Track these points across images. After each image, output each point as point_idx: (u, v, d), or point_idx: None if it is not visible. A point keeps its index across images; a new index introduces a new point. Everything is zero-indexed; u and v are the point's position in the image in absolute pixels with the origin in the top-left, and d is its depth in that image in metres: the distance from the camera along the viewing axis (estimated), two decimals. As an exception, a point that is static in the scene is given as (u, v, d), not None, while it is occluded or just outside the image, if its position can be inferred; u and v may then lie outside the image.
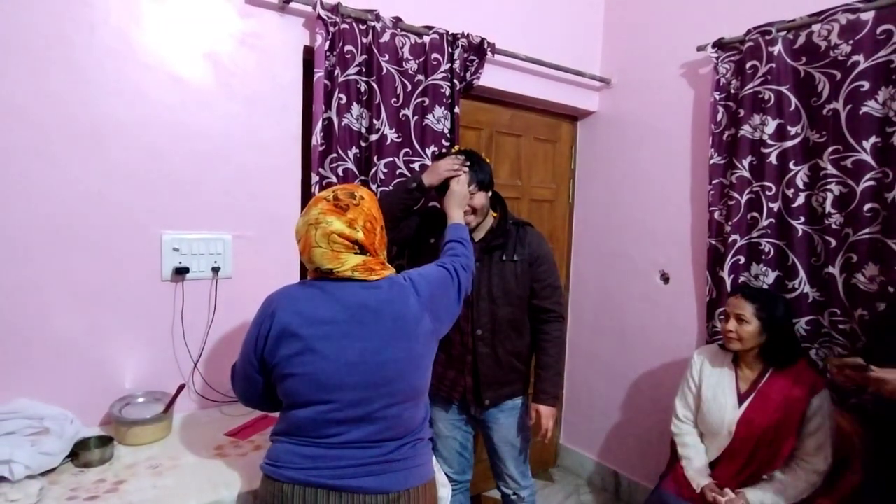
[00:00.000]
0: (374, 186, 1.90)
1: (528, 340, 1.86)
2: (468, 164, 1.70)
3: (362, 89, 1.89)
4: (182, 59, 1.64)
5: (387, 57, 1.91)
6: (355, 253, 1.17)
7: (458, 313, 1.32)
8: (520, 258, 1.79)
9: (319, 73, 1.78)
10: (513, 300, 1.78)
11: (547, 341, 1.83)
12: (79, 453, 1.34)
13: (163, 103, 1.62)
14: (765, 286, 1.99)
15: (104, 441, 1.41)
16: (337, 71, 1.81)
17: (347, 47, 1.83)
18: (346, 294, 1.15)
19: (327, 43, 1.78)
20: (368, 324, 1.14)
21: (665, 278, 2.48)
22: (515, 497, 1.93)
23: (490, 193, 1.79)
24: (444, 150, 2.01)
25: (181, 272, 1.66)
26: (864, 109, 1.72)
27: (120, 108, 1.56)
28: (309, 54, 1.83)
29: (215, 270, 1.72)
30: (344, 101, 1.84)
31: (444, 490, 1.38)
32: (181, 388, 1.60)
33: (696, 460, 1.82)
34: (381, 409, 1.14)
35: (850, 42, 1.74)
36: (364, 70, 1.88)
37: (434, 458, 1.33)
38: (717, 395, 1.81)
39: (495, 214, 1.84)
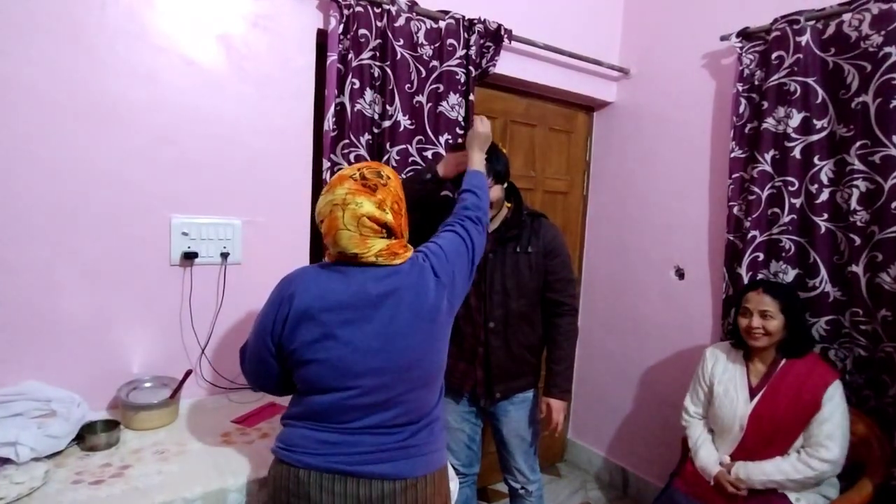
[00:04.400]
0: (386, 174, 1.87)
1: (541, 333, 1.83)
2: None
3: (376, 74, 1.85)
4: (194, 41, 1.61)
5: (401, 41, 1.87)
6: (381, 237, 1.14)
7: (470, 283, 1.30)
8: (534, 250, 1.75)
9: (332, 57, 1.74)
10: (526, 292, 1.75)
11: (560, 334, 1.79)
12: (85, 437, 1.33)
13: (174, 85, 1.59)
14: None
15: (111, 425, 1.39)
16: (350, 55, 1.77)
17: (361, 31, 1.79)
18: (367, 278, 1.12)
19: (341, 26, 1.75)
20: (389, 308, 1.11)
21: (680, 274, 2.43)
22: (523, 491, 1.91)
23: (505, 185, 1.75)
24: (458, 141, 1.97)
25: (190, 257, 1.64)
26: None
27: (131, 90, 1.53)
28: (322, 38, 1.80)
29: (224, 256, 1.71)
30: (357, 86, 1.80)
31: (452, 483, 1.36)
32: (188, 373, 1.59)
33: (705, 451, 1.80)
34: (401, 394, 1.13)
35: (882, 33, 1.68)
36: (378, 55, 1.84)
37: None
38: (729, 391, 1.79)
39: (509, 205, 1.80)
